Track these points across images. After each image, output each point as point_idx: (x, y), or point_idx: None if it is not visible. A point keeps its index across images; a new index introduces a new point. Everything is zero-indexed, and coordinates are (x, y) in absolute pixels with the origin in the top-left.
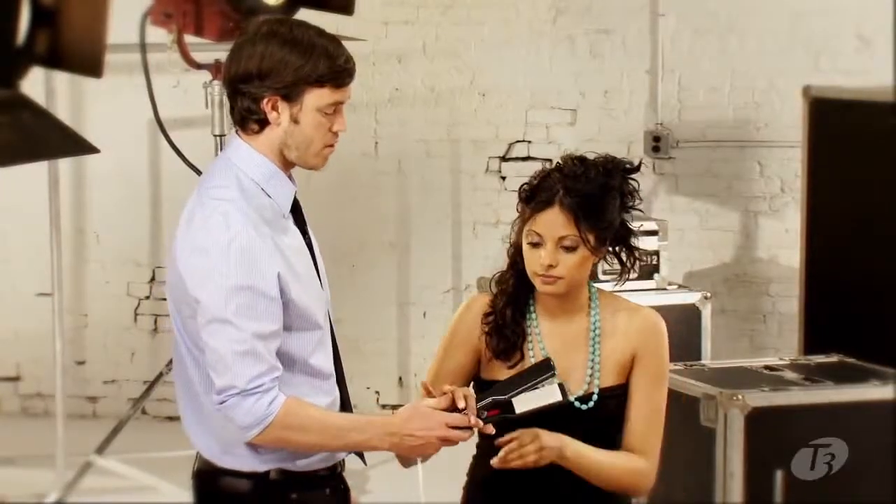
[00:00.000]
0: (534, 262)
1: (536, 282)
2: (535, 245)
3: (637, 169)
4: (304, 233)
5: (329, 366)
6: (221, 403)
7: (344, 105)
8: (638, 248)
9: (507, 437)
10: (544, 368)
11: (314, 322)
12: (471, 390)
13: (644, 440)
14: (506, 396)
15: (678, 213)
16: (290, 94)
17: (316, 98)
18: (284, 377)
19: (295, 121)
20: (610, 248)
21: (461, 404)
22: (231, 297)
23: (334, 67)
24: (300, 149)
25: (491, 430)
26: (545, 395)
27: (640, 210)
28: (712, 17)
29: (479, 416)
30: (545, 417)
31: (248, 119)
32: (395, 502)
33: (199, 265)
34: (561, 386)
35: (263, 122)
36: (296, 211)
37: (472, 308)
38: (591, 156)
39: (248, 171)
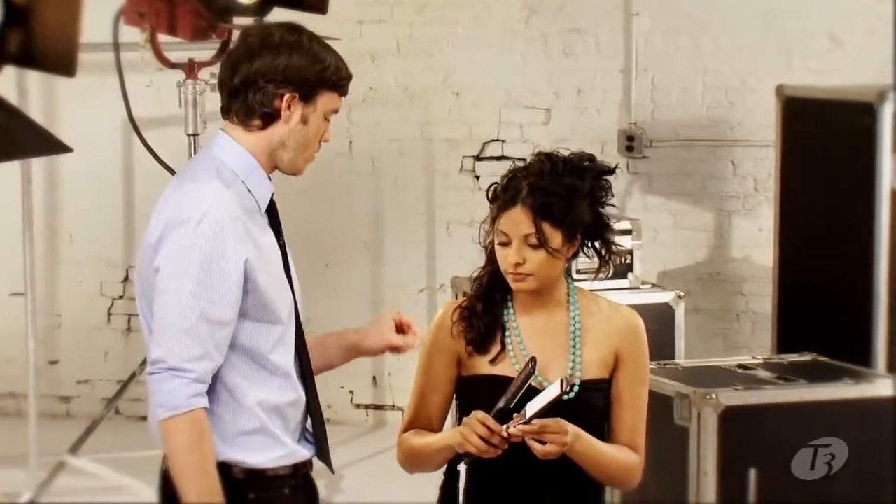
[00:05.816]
0: (503, 260)
1: (509, 279)
2: (503, 244)
3: (611, 172)
4: (279, 235)
5: (289, 364)
6: (150, 375)
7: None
8: (615, 244)
9: (536, 423)
10: (527, 368)
11: (276, 316)
12: (482, 413)
13: (634, 436)
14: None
15: (652, 213)
16: (309, 95)
17: (328, 101)
18: (245, 370)
19: (304, 121)
20: (587, 244)
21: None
22: (189, 273)
23: (346, 74)
24: (297, 150)
25: (519, 437)
26: (547, 394)
27: (614, 205)
28: (685, 17)
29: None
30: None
31: (253, 113)
32: (367, 502)
33: (169, 237)
34: (561, 381)
35: (270, 119)
36: (272, 215)
37: (446, 314)
38: (567, 153)
39: (229, 163)
